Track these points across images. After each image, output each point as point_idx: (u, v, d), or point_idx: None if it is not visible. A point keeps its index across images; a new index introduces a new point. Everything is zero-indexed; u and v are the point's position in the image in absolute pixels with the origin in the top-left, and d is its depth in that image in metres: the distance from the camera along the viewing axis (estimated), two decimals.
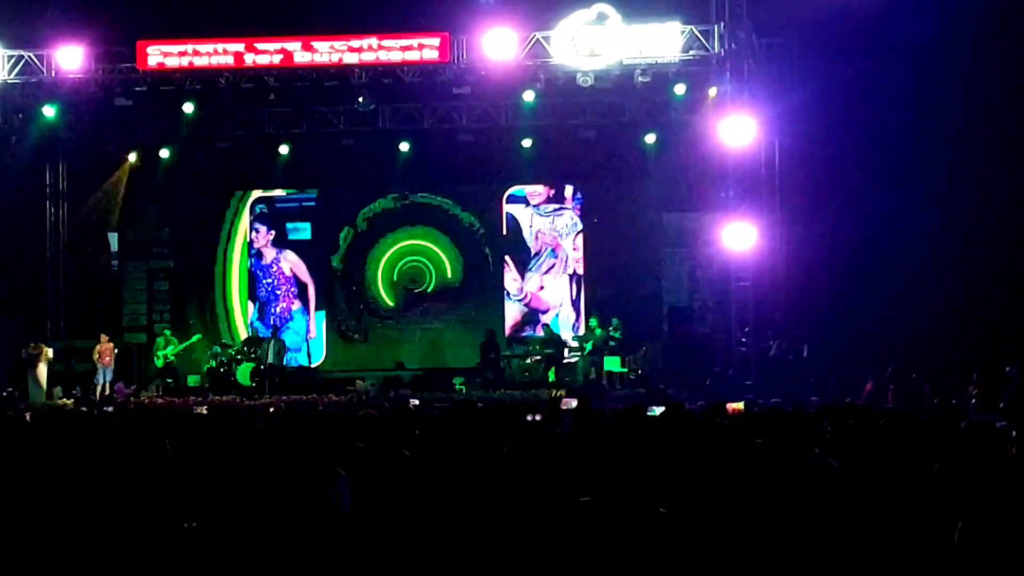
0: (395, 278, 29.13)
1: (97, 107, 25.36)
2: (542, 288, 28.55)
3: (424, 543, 6.89)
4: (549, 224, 28.65)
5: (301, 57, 23.58)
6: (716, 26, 23.10)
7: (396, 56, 23.61)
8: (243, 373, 25.42)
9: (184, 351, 26.20)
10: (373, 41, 23.59)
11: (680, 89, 24.23)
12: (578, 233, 28.57)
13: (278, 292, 29.04)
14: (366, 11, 24.17)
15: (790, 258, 24.68)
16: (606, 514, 6.62)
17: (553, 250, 28.55)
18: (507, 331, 27.55)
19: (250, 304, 29.07)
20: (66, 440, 8.65)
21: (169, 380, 25.55)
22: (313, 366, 28.16)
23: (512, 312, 28.46)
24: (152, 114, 26.54)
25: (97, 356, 24.51)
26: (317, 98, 25.51)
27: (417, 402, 19.84)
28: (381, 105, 25.99)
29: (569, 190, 28.62)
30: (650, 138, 27.08)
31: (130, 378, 25.42)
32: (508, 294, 28.63)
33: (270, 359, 25.60)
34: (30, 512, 7.02)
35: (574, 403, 14.25)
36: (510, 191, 28.80)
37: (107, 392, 24.11)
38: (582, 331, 27.17)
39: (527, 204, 28.77)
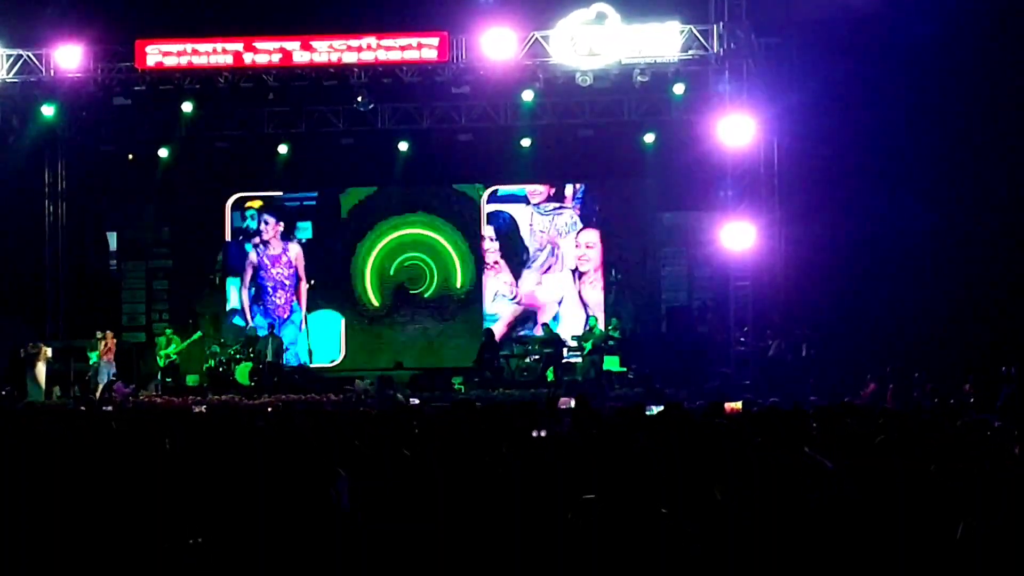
0: (392, 272, 29.04)
1: (96, 106, 25.36)
2: (539, 284, 28.47)
3: (424, 543, 6.89)
4: (549, 223, 28.62)
5: (300, 57, 23.57)
6: (715, 26, 23.09)
7: (395, 56, 23.61)
8: (242, 372, 25.43)
9: (186, 349, 26.18)
10: (372, 40, 23.58)
11: (679, 89, 24.22)
12: (579, 231, 28.53)
13: (285, 283, 29.01)
14: (365, 11, 24.17)
15: (789, 258, 24.69)
16: (606, 514, 6.62)
17: (552, 248, 28.52)
18: (498, 333, 27.37)
19: (245, 296, 28.96)
20: (65, 440, 8.65)
21: (169, 379, 25.54)
22: (327, 365, 28.16)
23: (506, 313, 28.34)
24: (151, 113, 26.53)
25: (104, 349, 24.55)
26: (316, 98, 25.51)
27: (417, 401, 19.88)
28: (380, 105, 25.99)
29: (570, 189, 28.59)
30: (649, 137, 27.08)
31: (129, 377, 25.39)
32: (497, 294, 28.54)
33: (269, 357, 25.58)
34: (29, 512, 7.01)
35: (572, 403, 14.28)
36: (504, 190, 28.73)
37: (109, 390, 24.15)
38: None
39: (527, 203, 28.73)
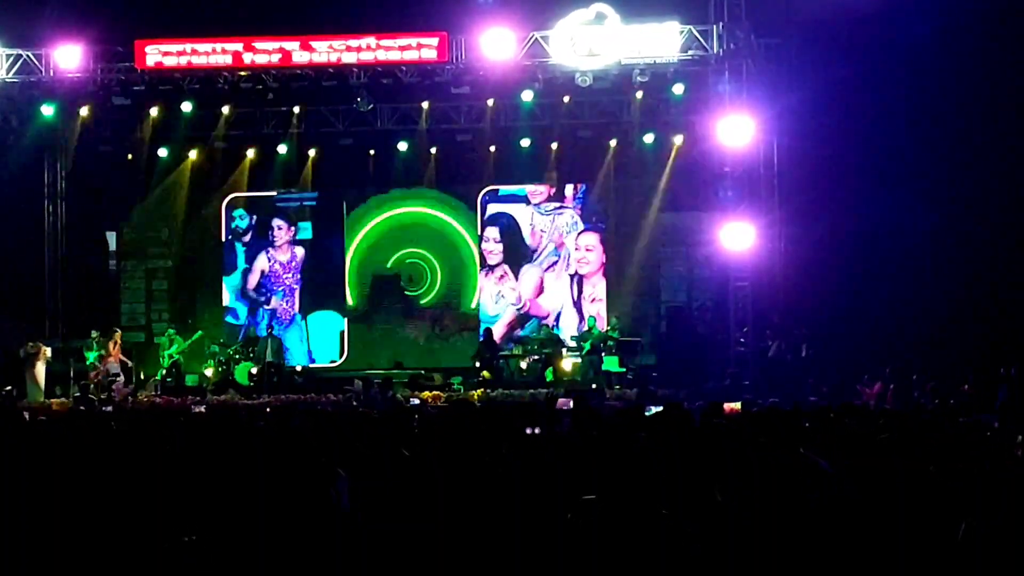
0: (388, 264, 29.01)
1: (96, 106, 25.35)
2: (541, 292, 28.39)
3: (424, 543, 6.89)
4: (549, 222, 28.59)
5: (300, 57, 23.58)
6: (715, 26, 23.10)
7: (395, 56, 23.61)
8: (241, 373, 25.41)
9: (189, 349, 26.18)
10: (372, 41, 23.58)
11: (679, 89, 24.23)
12: (580, 233, 28.50)
13: (294, 287, 29.01)
14: (365, 11, 24.18)
15: (788, 258, 24.69)
16: (606, 514, 6.62)
17: (556, 248, 28.48)
18: (498, 334, 27.33)
19: (253, 290, 28.98)
20: (65, 439, 8.65)
21: (170, 380, 25.51)
22: (325, 365, 28.16)
23: (506, 313, 28.29)
24: (150, 113, 26.53)
25: (112, 347, 24.62)
26: (316, 98, 25.52)
27: (417, 401, 19.89)
28: (380, 105, 26.00)
29: (570, 189, 28.56)
30: (648, 138, 27.07)
31: (128, 377, 25.37)
32: (499, 296, 28.49)
33: (268, 357, 25.57)
34: (29, 512, 7.01)
35: (570, 404, 14.29)
36: (505, 190, 28.70)
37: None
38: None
39: (527, 203, 28.70)
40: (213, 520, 7.33)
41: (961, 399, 19.30)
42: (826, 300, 23.94)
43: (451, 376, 25.51)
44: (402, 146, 27.59)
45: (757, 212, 23.45)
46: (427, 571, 6.82)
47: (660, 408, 11.34)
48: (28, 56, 23.87)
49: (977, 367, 20.64)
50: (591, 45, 23.18)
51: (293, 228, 28.96)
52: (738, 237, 23.23)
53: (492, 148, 27.50)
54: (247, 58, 23.60)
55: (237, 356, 25.92)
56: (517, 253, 28.55)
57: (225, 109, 26.34)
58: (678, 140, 26.89)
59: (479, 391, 23.21)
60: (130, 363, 25.39)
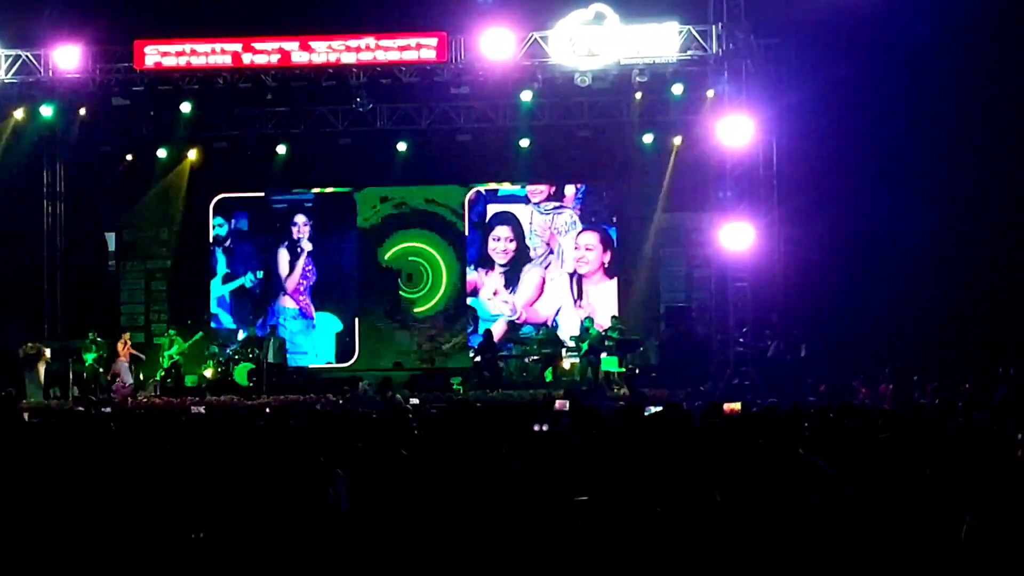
0: (387, 258, 28.96)
1: (95, 107, 25.34)
2: (542, 294, 28.38)
3: (423, 543, 6.88)
4: (548, 222, 28.60)
5: (299, 57, 23.56)
6: (714, 26, 23.07)
7: (394, 56, 23.60)
8: (241, 373, 25.39)
9: (189, 350, 26.18)
10: (371, 41, 23.57)
11: (678, 89, 24.23)
12: (580, 232, 28.51)
13: (310, 286, 29.09)
14: (364, 11, 24.17)
15: (788, 258, 24.69)
16: (606, 513, 6.62)
17: (550, 247, 28.49)
18: (497, 334, 27.29)
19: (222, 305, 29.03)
20: (65, 440, 8.64)
21: (169, 380, 25.51)
22: (324, 366, 28.15)
23: (499, 325, 28.19)
24: (149, 114, 26.52)
25: (123, 348, 24.70)
26: (315, 98, 25.52)
27: (417, 401, 19.86)
28: (379, 105, 25.99)
29: (571, 189, 28.58)
30: (648, 138, 27.07)
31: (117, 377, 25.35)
32: (499, 297, 28.49)
33: (271, 358, 25.59)
34: (29, 512, 7.01)
35: (567, 405, 14.27)
36: (505, 190, 28.71)
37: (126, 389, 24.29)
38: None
39: (527, 202, 28.70)
40: (212, 520, 7.33)
41: (962, 399, 19.28)
42: (825, 300, 23.93)
43: (451, 376, 25.51)
44: (401, 146, 27.60)
45: (756, 212, 23.44)
46: (427, 571, 6.81)
47: (659, 408, 11.34)
48: (27, 56, 23.85)
49: (977, 367, 20.63)
50: (590, 45, 23.17)
51: (309, 225, 29.03)
52: (737, 237, 23.22)
53: (491, 148, 27.50)
54: (246, 58, 23.58)
55: (237, 357, 25.91)
56: (520, 254, 28.56)
57: (224, 109, 26.31)
58: (677, 140, 26.90)
59: (477, 392, 23.24)
60: (143, 356, 25.42)
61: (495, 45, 23.19)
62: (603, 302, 27.85)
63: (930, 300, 23.11)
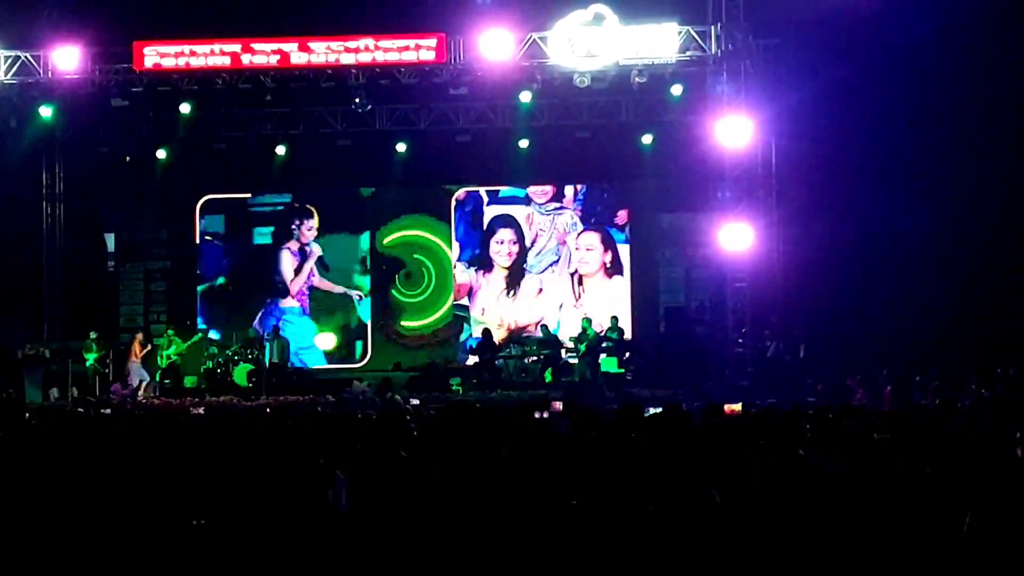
0: (386, 242, 28.87)
1: (94, 108, 25.35)
2: (540, 291, 28.38)
3: (422, 543, 6.88)
4: (549, 222, 28.59)
5: (298, 58, 23.57)
6: (713, 27, 23.10)
7: (393, 57, 23.61)
8: (240, 374, 25.36)
9: (187, 351, 26.16)
10: (370, 42, 23.58)
11: (677, 90, 24.23)
12: (580, 233, 28.49)
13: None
14: (363, 12, 24.15)
15: (787, 259, 24.67)
16: (605, 514, 6.61)
17: (557, 246, 28.47)
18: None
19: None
20: (65, 441, 8.64)
21: (168, 381, 25.50)
22: (323, 367, 28.15)
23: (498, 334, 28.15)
24: (149, 115, 26.52)
25: (138, 348, 24.73)
26: (314, 99, 25.51)
27: (417, 402, 19.86)
28: (378, 106, 25.98)
29: (571, 190, 28.57)
30: (647, 138, 27.07)
31: (125, 379, 25.35)
32: (498, 298, 28.48)
33: (274, 358, 25.61)
34: (29, 513, 7.00)
35: (560, 406, 14.26)
36: (505, 191, 28.69)
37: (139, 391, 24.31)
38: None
39: (528, 203, 28.68)
40: (212, 521, 7.33)
41: (967, 399, 19.29)
42: (824, 301, 23.92)
43: (450, 377, 25.49)
44: (400, 147, 27.59)
45: (755, 213, 23.45)
46: (426, 572, 6.81)
47: (659, 409, 11.34)
48: (26, 57, 23.86)
49: (977, 367, 20.63)
50: (589, 46, 23.18)
51: (313, 224, 29.04)
52: (736, 238, 23.23)
53: (490, 149, 27.50)
54: (245, 59, 23.59)
55: (236, 358, 25.89)
56: (522, 256, 28.53)
57: (223, 110, 26.31)
58: (676, 141, 26.87)
59: (477, 392, 23.24)
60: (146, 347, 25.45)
61: (494, 46, 23.20)
62: (603, 303, 27.80)
63: (929, 300, 23.11)
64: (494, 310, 28.40)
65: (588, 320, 25.78)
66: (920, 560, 6.53)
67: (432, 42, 23.36)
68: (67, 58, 23.68)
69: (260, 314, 28.81)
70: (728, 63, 23.19)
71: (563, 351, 25.67)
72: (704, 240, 26.00)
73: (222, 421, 12.19)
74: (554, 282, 28.44)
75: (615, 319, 25.88)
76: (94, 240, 29.17)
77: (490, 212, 28.81)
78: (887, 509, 6.75)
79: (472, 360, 26.41)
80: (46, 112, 24.80)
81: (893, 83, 23.17)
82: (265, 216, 29.12)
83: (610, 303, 27.70)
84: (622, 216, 28.33)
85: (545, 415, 10.11)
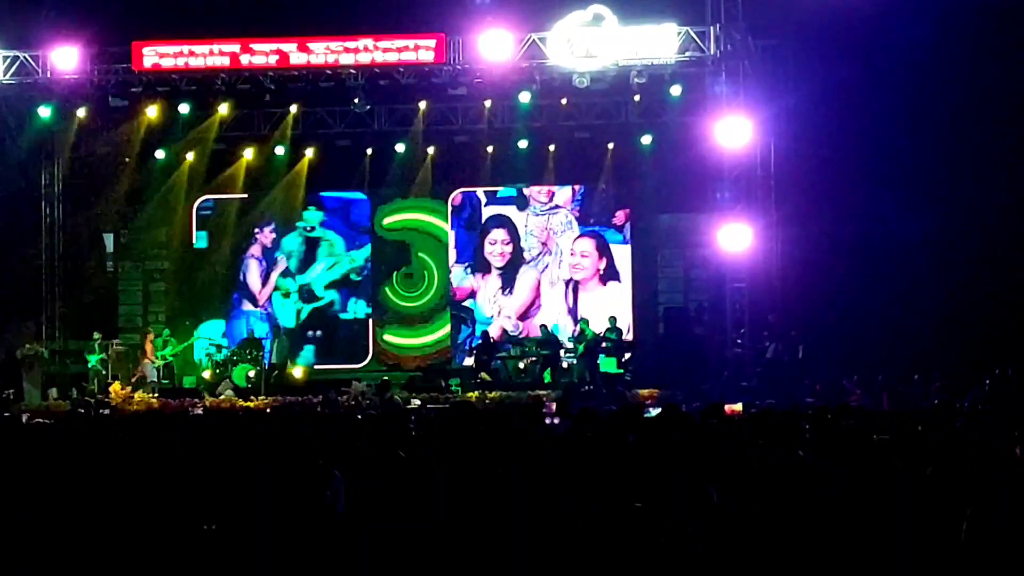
0: (386, 224, 28.74)
1: (92, 108, 25.33)
2: (538, 296, 28.32)
3: (421, 544, 6.88)
4: (544, 223, 28.56)
5: (297, 58, 23.55)
6: (712, 27, 23.09)
7: (392, 57, 23.60)
8: (239, 374, 25.34)
9: (182, 352, 26.14)
10: (369, 42, 23.57)
11: (676, 90, 24.23)
12: (576, 238, 28.44)
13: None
14: (362, 12, 24.14)
15: (786, 259, 24.67)
16: (605, 514, 6.62)
17: (547, 248, 28.45)
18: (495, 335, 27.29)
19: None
20: (65, 441, 8.64)
21: (165, 381, 25.50)
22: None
23: (495, 328, 28.13)
24: (147, 115, 26.50)
25: (150, 347, 24.77)
26: (313, 99, 25.49)
27: (419, 402, 19.89)
28: (377, 106, 25.97)
29: (568, 191, 28.53)
30: (646, 139, 27.06)
31: (126, 379, 25.35)
32: (496, 298, 28.45)
33: (275, 359, 25.60)
34: (29, 514, 7.01)
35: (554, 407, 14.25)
36: (502, 191, 28.66)
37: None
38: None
39: (523, 203, 28.62)
40: (211, 521, 7.33)
41: (970, 399, 19.31)
42: (823, 301, 23.92)
43: (449, 378, 25.49)
44: (399, 147, 27.58)
45: (754, 213, 23.44)
46: (425, 572, 6.81)
47: (659, 410, 11.34)
48: (25, 58, 23.84)
49: (976, 367, 20.65)
50: (588, 46, 23.17)
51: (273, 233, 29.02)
52: (735, 238, 23.23)
53: (489, 149, 27.51)
54: (244, 59, 23.57)
55: (235, 358, 25.88)
56: (516, 256, 28.52)
57: (222, 110, 26.30)
58: (675, 142, 26.85)
59: (476, 392, 23.24)
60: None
61: (493, 46, 23.19)
62: (598, 308, 27.70)
63: (928, 300, 23.12)
64: (492, 308, 28.35)
65: (586, 321, 25.77)
66: (919, 560, 6.53)
67: (431, 43, 23.36)
68: (66, 58, 23.67)
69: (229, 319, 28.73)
70: (727, 64, 23.18)
71: (562, 351, 25.67)
72: (703, 240, 25.98)
73: (221, 422, 12.20)
74: (549, 288, 28.34)
75: (613, 319, 25.88)
76: (93, 240, 29.13)
77: (486, 213, 28.76)
78: (886, 509, 6.75)
79: (470, 361, 26.43)
80: (45, 112, 24.78)
81: (892, 84, 23.18)
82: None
83: (605, 309, 27.54)
84: (620, 217, 28.29)
85: (556, 420, 10.12)
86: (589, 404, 15.19)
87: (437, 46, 23.34)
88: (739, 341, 23.49)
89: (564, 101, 25.52)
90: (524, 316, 28.21)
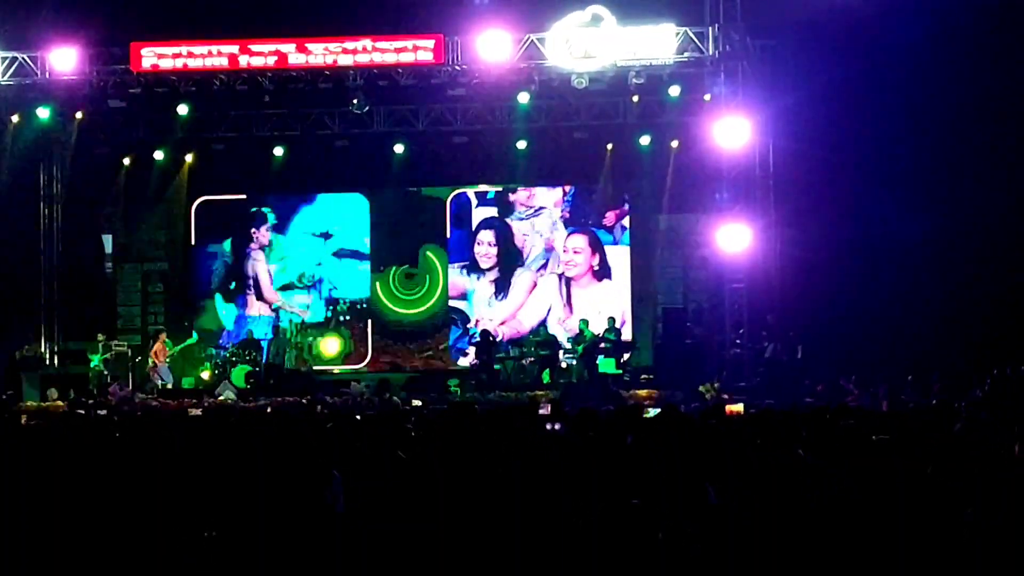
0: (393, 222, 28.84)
1: (91, 109, 25.33)
2: (527, 302, 28.29)
3: (420, 544, 6.88)
4: (529, 227, 28.49)
5: (296, 59, 23.54)
6: (710, 28, 23.10)
7: (391, 58, 23.59)
8: (238, 375, 25.36)
9: (180, 353, 26.14)
10: (368, 43, 23.56)
11: (674, 91, 24.24)
12: (568, 235, 28.41)
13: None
14: (361, 13, 24.14)
15: (784, 259, 24.67)
16: (605, 514, 6.62)
17: (545, 250, 28.42)
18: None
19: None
20: (64, 442, 8.63)
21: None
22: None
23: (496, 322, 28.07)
24: (146, 116, 26.52)
25: (160, 348, 24.77)
26: (312, 100, 25.49)
27: (420, 403, 19.88)
28: (376, 107, 25.95)
29: (559, 192, 28.47)
30: (644, 139, 27.07)
31: (126, 380, 25.35)
32: (491, 299, 28.43)
33: (276, 359, 25.60)
34: (29, 515, 7.00)
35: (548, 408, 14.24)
36: (489, 192, 28.65)
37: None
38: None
39: (510, 205, 28.57)
40: (210, 521, 7.33)
41: (973, 399, 19.31)
42: (822, 301, 23.93)
43: (448, 378, 25.50)
44: (398, 148, 27.58)
45: (753, 214, 23.46)
46: (424, 572, 6.81)
47: (659, 411, 11.35)
48: (23, 59, 23.83)
49: (975, 368, 20.65)
50: (587, 47, 23.17)
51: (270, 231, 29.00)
52: (734, 239, 23.24)
53: (489, 149, 27.51)
54: (243, 60, 23.55)
55: (234, 359, 25.89)
56: (509, 257, 28.48)
57: (221, 111, 26.30)
58: (674, 142, 26.89)
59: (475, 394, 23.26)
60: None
61: (492, 47, 23.19)
62: (592, 305, 27.72)
63: (927, 300, 23.13)
64: (486, 312, 28.32)
65: (585, 321, 25.77)
66: (919, 560, 6.53)
67: (430, 43, 23.36)
68: (64, 59, 23.65)
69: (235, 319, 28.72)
70: (726, 64, 23.19)
71: (561, 352, 25.67)
72: (702, 241, 26.02)
73: (220, 422, 12.20)
74: (542, 286, 28.32)
75: (612, 320, 25.88)
76: (92, 242, 29.12)
77: (478, 215, 28.74)
78: (886, 509, 6.75)
79: (466, 361, 26.42)
80: (43, 113, 24.78)
81: (891, 83, 23.19)
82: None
83: (599, 306, 27.57)
84: (610, 217, 28.25)
85: (557, 426, 10.09)
86: (587, 404, 15.18)
87: (436, 47, 23.34)
88: (738, 341, 23.50)
89: (562, 102, 25.52)
90: (519, 317, 28.18)
